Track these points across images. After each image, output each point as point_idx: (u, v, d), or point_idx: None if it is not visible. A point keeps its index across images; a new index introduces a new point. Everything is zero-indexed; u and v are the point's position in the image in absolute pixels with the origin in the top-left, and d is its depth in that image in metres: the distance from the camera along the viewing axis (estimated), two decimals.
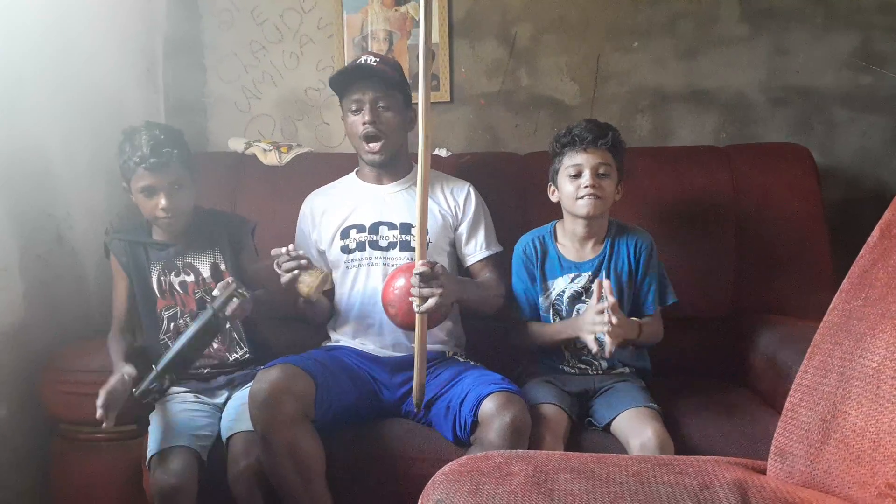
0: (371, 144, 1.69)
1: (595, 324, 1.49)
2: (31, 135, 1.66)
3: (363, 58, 1.70)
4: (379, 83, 1.66)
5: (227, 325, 1.48)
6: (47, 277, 1.71)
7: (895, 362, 0.90)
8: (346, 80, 1.69)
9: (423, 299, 1.44)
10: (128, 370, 1.48)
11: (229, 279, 1.51)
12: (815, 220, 1.92)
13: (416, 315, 1.44)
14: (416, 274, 1.44)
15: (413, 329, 1.47)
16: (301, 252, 1.51)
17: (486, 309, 1.69)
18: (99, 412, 1.39)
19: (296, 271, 1.49)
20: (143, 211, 1.60)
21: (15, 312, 1.62)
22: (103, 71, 1.92)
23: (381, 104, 1.67)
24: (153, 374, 1.40)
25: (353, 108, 1.69)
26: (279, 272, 1.50)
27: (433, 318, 1.49)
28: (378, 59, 1.69)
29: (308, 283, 1.49)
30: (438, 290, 1.44)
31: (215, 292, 1.50)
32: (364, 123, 1.67)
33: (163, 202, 1.55)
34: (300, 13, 2.26)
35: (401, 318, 1.51)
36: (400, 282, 1.50)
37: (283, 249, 1.50)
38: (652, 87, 2.23)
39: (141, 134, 1.55)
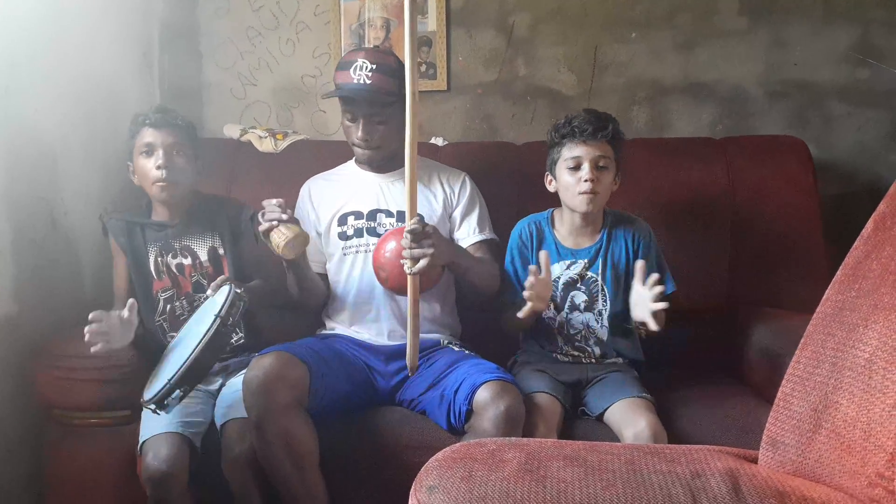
0: (364, 151, 1.70)
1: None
2: (25, 119, 1.65)
3: (358, 65, 1.63)
4: (372, 101, 1.64)
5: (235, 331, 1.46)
6: (41, 262, 1.70)
7: (887, 353, 0.90)
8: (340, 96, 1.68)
9: (415, 261, 1.43)
10: (125, 313, 1.45)
11: (223, 277, 1.51)
12: (811, 213, 1.92)
13: (408, 277, 1.43)
14: (408, 232, 1.43)
15: (404, 293, 1.46)
16: (287, 210, 1.49)
17: (481, 284, 1.67)
18: (88, 334, 1.40)
19: (274, 223, 1.47)
20: (141, 177, 1.61)
21: (8, 298, 1.61)
22: (98, 56, 1.91)
23: (376, 119, 1.67)
24: (166, 385, 1.35)
25: (349, 117, 1.69)
26: (260, 221, 1.49)
27: (425, 280, 1.48)
28: (374, 68, 1.63)
29: (280, 236, 1.46)
30: (430, 251, 1.44)
31: (209, 292, 1.49)
32: (358, 137, 1.68)
33: (160, 160, 1.56)
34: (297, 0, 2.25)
35: (392, 281, 1.50)
36: (391, 244, 1.49)
37: (273, 201, 1.49)
38: (649, 78, 2.23)
39: (151, 109, 1.62)
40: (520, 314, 1.52)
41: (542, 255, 1.56)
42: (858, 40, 2.18)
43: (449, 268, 1.58)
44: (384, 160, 1.73)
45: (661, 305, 1.46)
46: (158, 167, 1.56)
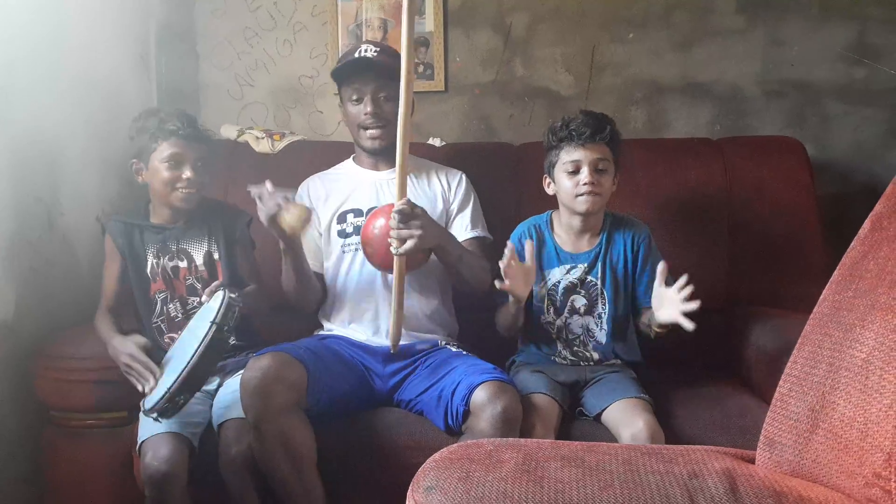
0: (371, 131, 1.70)
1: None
2: (23, 120, 1.65)
3: (362, 48, 1.69)
4: (380, 74, 1.66)
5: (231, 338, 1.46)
6: (38, 264, 1.70)
7: (883, 353, 0.90)
8: (347, 71, 1.69)
9: (402, 241, 1.43)
10: (138, 339, 1.50)
11: (216, 283, 1.51)
12: (808, 213, 1.92)
13: (395, 257, 1.44)
14: (396, 212, 1.43)
15: (390, 271, 1.47)
16: (279, 193, 1.48)
17: (470, 276, 1.65)
18: (146, 386, 1.44)
19: (280, 204, 1.46)
20: (159, 183, 1.59)
21: (6, 300, 1.61)
22: (96, 57, 1.90)
23: (382, 94, 1.68)
24: (165, 394, 1.36)
25: (354, 97, 1.69)
26: (260, 206, 1.48)
27: (412, 261, 1.49)
28: (378, 50, 1.68)
29: (288, 222, 1.46)
30: (417, 232, 1.44)
31: (203, 297, 1.49)
32: (365, 114, 1.68)
33: (188, 173, 1.57)
34: (294, 0, 2.25)
35: (378, 258, 1.51)
36: (380, 221, 1.49)
37: (268, 187, 1.48)
38: (647, 78, 2.23)
39: (170, 111, 1.61)
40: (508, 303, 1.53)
41: (528, 244, 1.55)
42: (855, 39, 2.18)
43: (436, 253, 1.57)
44: (389, 146, 1.71)
45: (693, 306, 1.43)
46: (188, 179, 1.57)
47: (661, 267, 1.51)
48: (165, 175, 1.58)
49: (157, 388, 1.41)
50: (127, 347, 1.50)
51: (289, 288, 1.66)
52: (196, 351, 1.35)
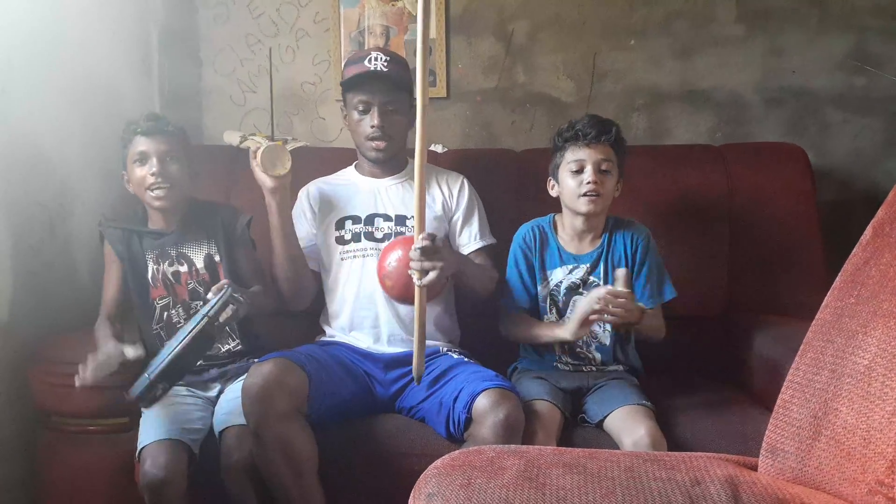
0: (377, 143, 1.70)
1: (594, 300, 1.46)
2: (24, 124, 1.65)
3: (372, 56, 1.68)
4: (389, 86, 1.66)
5: (224, 331, 1.46)
6: (38, 268, 1.70)
7: (886, 360, 0.90)
8: (357, 82, 1.69)
9: (424, 273, 1.44)
10: (130, 351, 1.46)
11: (224, 282, 1.49)
12: (809, 220, 1.93)
13: (416, 289, 1.44)
14: (418, 248, 1.44)
15: (408, 303, 1.48)
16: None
17: (481, 289, 1.68)
18: (80, 381, 1.40)
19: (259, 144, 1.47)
20: (135, 186, 1.60)
21: (5, 303, 1.61)
22: (98, 62, 1.91)
23: (390, 107, 1.68)
24: (146, 380, 1.36)
25: (361, 108, 1.69)
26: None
27: (432, 290, 1.49)
28: (388, 60, 1.68)
29: (255, 145, 1.49)
30: (440, 264, 1.45)
31: (209, 295, 1.48)
32: (372, 126, 1.68)
33: (154, 167, 1.56)
34: (297, 7, 2.25)
35: (398, 290, 1.51)
36: (397, 254, 1.49)
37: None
38: (648, 85, 2.24)
39: (141, 115, 1.61)
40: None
41: (620, 272, 1.51)
42: (854, 48, 2.19)
43: (454, 276, 1.59)
44: (391, 157, 1.73)
45: (598, 304, 1.44)
46: (153, 174, 1.56)
47: (621, 272, 1.50)
48: (137, 174, 1.58)
49: (142, 376, 1.40)
50: (108, 348, 1.46)
51: (280, 272, 1.65)
52: (181, 341, 1.35)
